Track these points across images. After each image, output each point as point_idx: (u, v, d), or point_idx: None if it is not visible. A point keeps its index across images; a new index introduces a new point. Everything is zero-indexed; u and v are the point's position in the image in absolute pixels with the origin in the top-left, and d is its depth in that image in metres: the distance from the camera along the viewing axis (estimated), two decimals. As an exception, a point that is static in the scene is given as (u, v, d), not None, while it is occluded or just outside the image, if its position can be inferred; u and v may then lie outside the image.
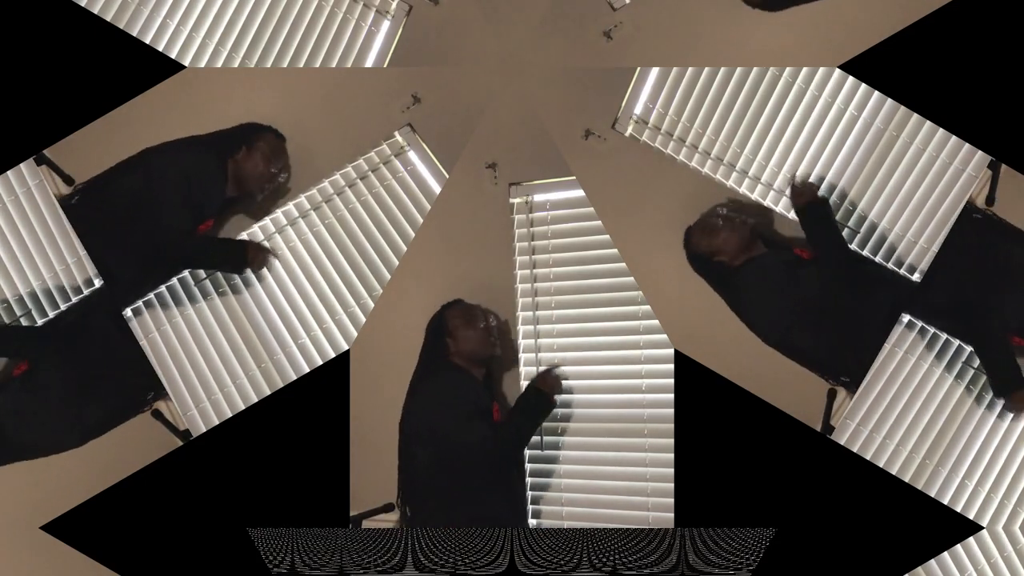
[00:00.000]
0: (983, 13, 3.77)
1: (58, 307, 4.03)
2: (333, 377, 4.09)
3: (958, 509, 3.86)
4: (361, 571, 3.59)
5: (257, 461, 3.98)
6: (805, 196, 3.89)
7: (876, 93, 3.91)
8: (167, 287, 4.11)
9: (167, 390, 4.06)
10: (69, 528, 3.92)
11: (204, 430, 4.06)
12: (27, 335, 4.03)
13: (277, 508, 3.91)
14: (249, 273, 4.12)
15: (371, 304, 4.16)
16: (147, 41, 4.10)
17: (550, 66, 4.09)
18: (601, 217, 4.08)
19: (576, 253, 4.16)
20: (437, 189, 4.19)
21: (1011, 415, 3.83)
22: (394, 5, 4.15)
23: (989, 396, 3.84)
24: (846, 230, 3.92)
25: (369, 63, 4.18)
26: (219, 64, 4.14)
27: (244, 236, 4.14)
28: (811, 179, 3.93)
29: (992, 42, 3.77)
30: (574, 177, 4.12)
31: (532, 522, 4.06)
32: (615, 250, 4.07)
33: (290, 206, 4.18)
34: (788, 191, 3.93)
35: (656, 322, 4.02)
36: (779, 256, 3.92)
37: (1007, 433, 3.86)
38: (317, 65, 4.16)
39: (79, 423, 3.99)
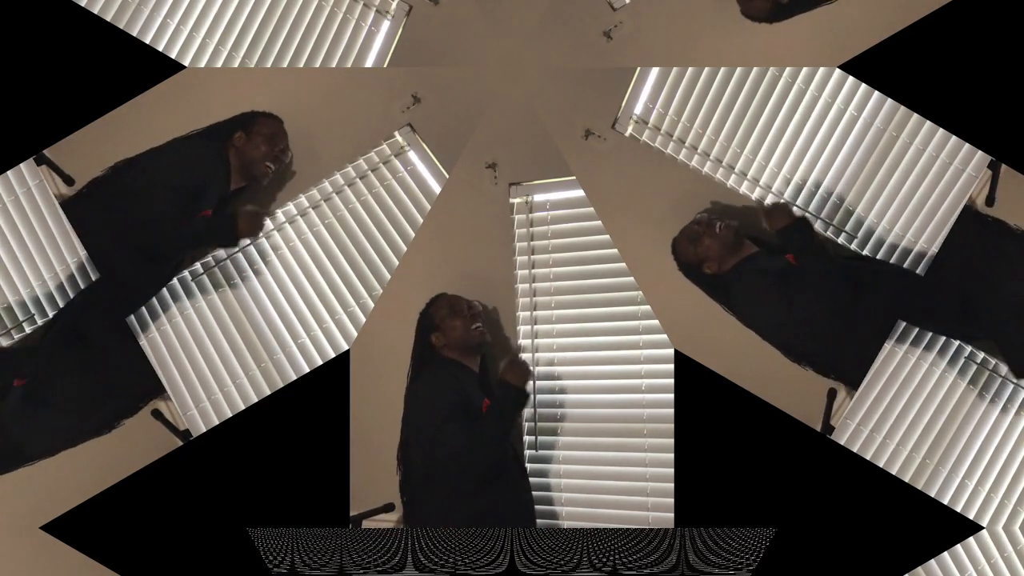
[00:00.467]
0: (983, 13, 3.77)
1: (58, 307, 4.03)
2: (333, 377, 4.09)
3: (958, 509, 3.86)
4: (361, 571, 3.58)
5: (257, 461, 3.98)
6: (781, 220, 3.90)
7: (876, 93, 3.91)
8: (167, 287, 4.11)
9: (167, 390, 4.07)
10: (69, 528, 3.92)
11: (204, 430, 4.06)
12: (24, 356, 4.02)
13: (277, 508, 3.91)
14: (247, 244, 4.08)
15: (371, 304, 4.16)
16: (147, 41, 4.10)
17: (550, 66, 4.09)
18: (601, 217, 4.08)
19: (576, 253, 4.16)
20: (437, 189, 4.18)
21: (1011, 414, 3.83)
22: (394, 5, 4.15)
23: (989, 396, 3.84)
24: (843, 234, 3.92)
25: (369, 63, 4.18)
26: (219, 64, 4.14)
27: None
28: (803, 183, 3.93)
29: (992, 42, 3.77)
30: (574, 177, 4.12)
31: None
32: (615, 250, 4.07)
33: (290, 205, 4.19)
34: (763, 218, 3.92)
35: (656, 322, 4.02)
36: (771, 257, 3.92)
37: (1007, 433, 3.86)
38: (317, 65, 4.16)
39: (80, 423, 3.99)
